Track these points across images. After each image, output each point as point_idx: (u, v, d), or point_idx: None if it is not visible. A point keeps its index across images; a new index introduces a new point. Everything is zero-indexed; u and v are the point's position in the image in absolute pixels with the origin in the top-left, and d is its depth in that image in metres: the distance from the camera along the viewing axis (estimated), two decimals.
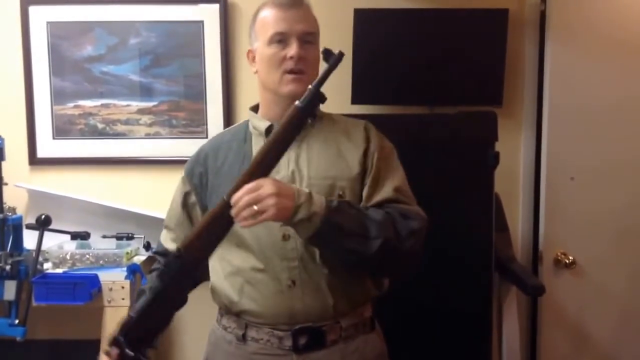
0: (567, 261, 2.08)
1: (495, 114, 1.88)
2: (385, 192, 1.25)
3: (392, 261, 1.22)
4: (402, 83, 2.04)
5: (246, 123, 1.38)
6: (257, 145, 1.30)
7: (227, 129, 1.46)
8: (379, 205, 1.24)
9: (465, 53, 2.02)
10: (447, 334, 1.82)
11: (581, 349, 2.13)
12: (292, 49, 1.23)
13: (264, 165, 1.12)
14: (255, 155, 1.13)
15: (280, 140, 1.12)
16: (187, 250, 1.12)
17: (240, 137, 1.34)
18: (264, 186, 1.09)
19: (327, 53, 1.13)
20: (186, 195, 1.35)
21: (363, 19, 2.00)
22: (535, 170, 2.12)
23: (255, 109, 1.37)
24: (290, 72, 1.24)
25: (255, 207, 1.07)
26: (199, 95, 2.14)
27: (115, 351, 1.13)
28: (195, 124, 2.15)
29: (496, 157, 1.84)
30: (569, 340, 2.13)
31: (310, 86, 1.13)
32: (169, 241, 1.39)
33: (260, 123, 1.31)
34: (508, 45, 2.02)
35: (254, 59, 1.32)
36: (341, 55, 1.13)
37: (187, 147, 2.13)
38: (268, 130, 1.29)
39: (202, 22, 2.12)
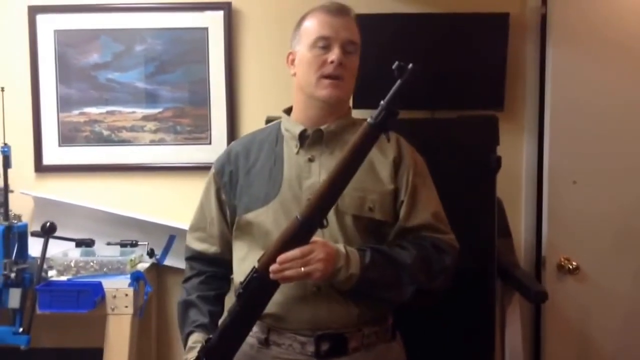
0: (571, 267, 2.07)
1: (497, 118, 1.88)
2: (423, 217, 1.27)
3: (421, 298, 1.25)
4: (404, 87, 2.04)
5: (278, 124, 1.38)
6: (289, 148, 1.31)
7: (259, 129, 1.46)
8: (415, 229, 1.26)
9: (466, 57, 2.02)
10: (449, 341, 1.80)
11: (585, 355, 2.12)
12: (334, 54, 1.26)
13: (337, 185, 1.12)
14: (328, 175, 1.13)
15: (353, 158, 1.12)
16: (264, 270, 1.14)
17: (272, 139, 1.35)
18: (316, 251, 1.13)
19: (400, 68, 1.10)
20: (218, 192, 1.36)
21: (364, 23, 1.97)
22: (538, 174, 2.11)
23: (288, 111, 1.38)
24: (328, 76, 1.26)
25: (302, 269, 1.12)
26: (203, 101, 2.16)
27: None
28: (199, 130, 2.16)
29: (498, 161, 1.84)
30: (573, 347, 2.11)
31: (382, 102, 1.11)
32: (196, 242, 1.39)
33: (293, 127, 1.32)
34: (509, 49, 2.02)
35: (292, 61, 1.34)
36: (414, 70, 1.09)
37: (191, 154, 2.16)
38: (302, 134, 1.30)
39: (206, 28, 2.14)
